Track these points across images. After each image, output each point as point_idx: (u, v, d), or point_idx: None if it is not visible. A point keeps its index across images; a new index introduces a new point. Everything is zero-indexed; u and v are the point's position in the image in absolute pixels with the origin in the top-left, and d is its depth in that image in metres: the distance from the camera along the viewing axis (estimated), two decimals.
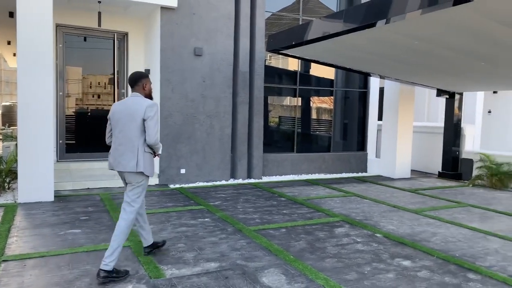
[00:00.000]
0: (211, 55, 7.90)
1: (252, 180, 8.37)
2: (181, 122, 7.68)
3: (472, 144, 9.66)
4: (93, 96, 8.70)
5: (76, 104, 8.51)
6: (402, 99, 9.30)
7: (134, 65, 8.57)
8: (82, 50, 8.46)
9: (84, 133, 8.52)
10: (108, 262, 3.33)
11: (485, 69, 6.64)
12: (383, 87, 9.79)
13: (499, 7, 3.95)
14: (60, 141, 8.15)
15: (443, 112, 9.84)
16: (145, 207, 5.84)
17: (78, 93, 8.50)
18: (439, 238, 4.84)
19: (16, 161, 6.16)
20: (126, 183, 3.65)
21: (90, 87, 8.66)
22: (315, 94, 9.99)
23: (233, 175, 8.40)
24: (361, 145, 10.22)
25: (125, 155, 3.48)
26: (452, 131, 9.42)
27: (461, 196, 7.46)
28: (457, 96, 9.42)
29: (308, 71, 9.75)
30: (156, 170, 7.67)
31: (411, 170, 10.08)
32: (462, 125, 9.60)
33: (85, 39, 8.39)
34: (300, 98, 9.54)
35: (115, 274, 3.37)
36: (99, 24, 7.46)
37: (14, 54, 12.48)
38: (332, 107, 9.97)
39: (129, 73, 8.52)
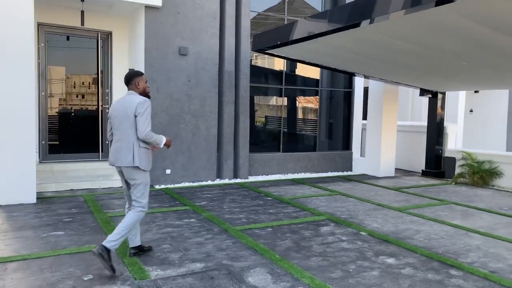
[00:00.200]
0: (196, 55, 7.86)
1: (238, 180, 8.37)
2: (166, 122, 7.63)
3: (454, 142, 9.82)
4: (77, 96, 8.57)
5: (60, 104, 8.37)
6: (386, 99, 9.41)
7: (118, 65, 8.48)
8: (65, 49, 8.33)
9: (67, 134, 8.39)
10: (109, 240, 3.50)
11: (466, 69, 6.76)
12: (368, 87, 9.89)
13: (479, 9, 4.03)
14: (43, 142, 8.01)
15: (427, 112, 9.98)
16: None
17: (62, 93, 8.36)
18: (423, 235, 4.91)
19: None
20: (126, 183, 3.80)
21: (74, 87, 8.53)
22: (301, 93, 10.04)
23: (219, 175, 8.38)
24: (346, 144, 10.31)
25: (122, 151, 3.65)
26: (435, 130, 9.57)
27: (444, 194, 7.58)
28: (439, 96, 9.57)
29: (294, 71, 9.79)
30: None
31: (395, 168, 10.21)
32: (445, 124, 9.75)
33: (68, 38, 8.26)
34: (286, 98, 9.57)
35: (108, 260, 3.43)
36: (82, 23, 7.36)
37: None
38: (317, 106, 10.03)
39: (113, 73, 8.49)
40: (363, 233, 4.93)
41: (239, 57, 8.36)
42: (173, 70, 7.65)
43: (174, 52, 7.66)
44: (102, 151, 8.56)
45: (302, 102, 10.17)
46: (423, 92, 9.63)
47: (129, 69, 3.89)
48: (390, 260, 4.03)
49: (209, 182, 8.00)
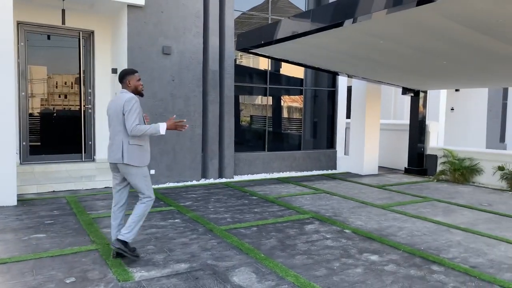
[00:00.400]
0: (180, 54, 7.82)
1: (223, 180, 8.35)
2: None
3: (436, 140, 9.99)
4: (59, 96, 8.43)
5: (41, 105, 8.23)
6: (369, 98, 9.51)
7: (101, 64, 8.38)
8: (46, 48, 8.18)
9: (49, 134, 8.26)
10: (123, 234, 3.71)
11: (447, 68, 6.89)
12: (351, 86, 9.99)
13: (459, 9, 4.11)
14: (23, 143, 7.86)
15: (409, 110, 10.13)
16: None
17: (43, 93, 8.22)
18: (405, 232, 4.98)
19: None
20: (123, 179, 3.89)
21: (56, 87, 8.39)
22: (285, 93, 10.07)
23: (204, 175, 8.35)
24: (331, 143, 10.39)
25: (113, 147, 3.80)
26: (417, 128, 9.72)
27: (426, 191, 7.71)
28: (421, 94, 9.72)
29: (278, 70, 9.82)
30: None
31: (379, 166, 10.33)
32: (427, 122, 9.91)
33: (48, 37, 8.12)
34: (270, 97, 9.59)
35: (128, 251, 3.70)
36: (63, 22, 7.24)
37: None
38: (302, 106, 10.08)
39: (95, 72, 8.39)
40: (347, 230, 4.98)
41: (223, 56, 8.34)
42: (156, 69, 7.60)
43: (157, 51, 7.60)
44: (85, 152, 8.44)
45: (287, 101, 10.21)
46: (405, 91, 9.76)
47: (130, 69, 3.98)
48: (374, 257, 4.08)
49: (194, 182, 7.96)
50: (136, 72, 3.94)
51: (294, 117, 10.19)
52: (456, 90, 12.93)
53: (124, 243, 3.70)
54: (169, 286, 3.30)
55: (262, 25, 8.44)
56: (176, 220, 5.23)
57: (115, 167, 3.86)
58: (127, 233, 3.72)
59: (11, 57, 5.77)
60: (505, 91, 14.89)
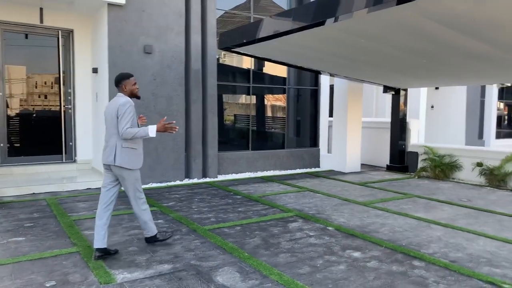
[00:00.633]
0: (161, 53, 7.75)
1: (207, 179, 8.32)
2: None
3: (417, 137, 10.16)
4: (39, 97, 8.26)
5: (20, 105, 8.05)
6: (351, 96, 9.61)
7: (81, 64, 8.25)
8: (24, 48, 8.00)
9: (29, 135, 8.08)
10: (146, 233, 4.17)
11: (427, 67, 7.00)
12: (333, 85, 10.07)
13: (437, 8, 4.18)
14: (1, 144, 7.69)
15: (390, 108, 10.27)
16: (96, 210, 5.65)
17: (22, 93, 8.04)
18: (387, 228, 5.05)
19: None
20: (116, 179, 3.99)
21: (36, 87, 8.21)
22: (269, 92, 10.09)
23: (187, 175, 8.30)
24: (314, 141, 10.46)
25: (107, 149, 3.93)
26: (399, 126, 9.86)
27: (408, 187, 7.83)
28: (402, 92, 9.86)
29: (262, 69, 9.83)
30: None
31: (361, 164, 10.45)
32: (408, 119, 10.07)
33: (26, 37, 7.95)
34: (254, 96, 9.59)
35: (160, 237, 4.25)
36: (41, 21, 7.11)
37: None
38: (285, 104, 10.11)
39: (76, 72, 8.25)
40: (330, 228, 5.02)
41: (205, 55, 8.30)
42: (138, 68, 7.51)
43: (139, 50, 7.51)
44: (65, 153, 8.30)
45: (271, 100, 10.23)
46: (386, 89, 9.89)
47: (125, 73, 4.26)
48: (356, 254, 4.13)
49: (178, 182, 7.91)
50: (132, 76, 4.10)
51: (278, 116, 10.22)
52: (436, 88, 13.18)
53: (154, 237, 4.21)
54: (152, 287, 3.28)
55: (244, 24, 8.43)
56: (159, 221, 5.19)
57: (108, 168, 3.97)
58: (148, 229, 4.17)
59: None
60: (483, 89, 15.26)
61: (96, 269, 3.60)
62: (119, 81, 4.05)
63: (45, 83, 8.29)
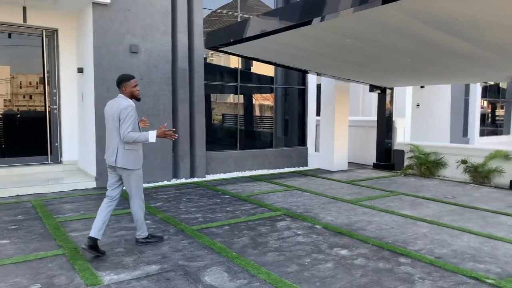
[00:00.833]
0: (147, 52, 7.69)
1: (195, 179, 8.30)
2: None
3: (403, 136, 10.27)
4: (23, 97, 8.13)
5: (5, 106, 7.92)
6: (338, 95, 9.67)
7: (66, 64, 8.15)
8: (8, 47, 7.87)
9: (13, 136, 7.96)
10: (140, 233, 4.25)
11: (412, 66, 7.09)
12: (320, 84, 10.12)
13: (422, 8, 4.24)
14: None
15: (376, 107, 10.36)
16: (82, 212, 5.60)
17: (6, 93, 7.90)
18: (374, 226, 5.11)
19: None
20: (119, 178, 4.11)
21: (20, 87, 8.08)
22: (256, 91, 10.10)
23: (175, 175, 8.27)
24: (302, 140, 10.50)
25: (109, 150, 4.05)
26: (385, 124, 9.96)
27: (394, 185, 7.92)
28: (388, 91, 9.96)
29: (249, 69, 9.83)
30: (93, 173, 7.36)
31: (348, 162, 10.52)
32: (394, 118, 10.18)
33: (9, 36, 7.82)
34: (242, 96, 9.59)
35: (152, 238, 4.32)
36: (25, 20, 6.99)
37: None
38: (273, 104, 10.13)
39: (60, 72, 8.14)
40: (318, 226, 5.05)
41: (192, 55, 8.27)
42: (124, 68, 7.44)
43: (124, 50, 7.45)
44: (51, 154, 8.19)
45: (258, 99, 10.24)
46: (372, 88, 9.98)
47: (126, 75, 4.34)
48: (344, 252, 4.17)
49: (165, 183, 7.87)
50: (133, 78, 4.14)
51: (266, 115, 10.23)
52: (422, 87, 13.34)
53: (146, 237, 4.29)
54: None
55: (231, 24, 8.42)
56: (147, 222, 5.15)
57: (112, 167, 4.09)
58: (141, 230, 4.26)
59: None
60: (467, 87, 15.50)
61: (82, 271, 3.56)
62: (120, 83, 4.10)
63: (30, 83, 8.17)
